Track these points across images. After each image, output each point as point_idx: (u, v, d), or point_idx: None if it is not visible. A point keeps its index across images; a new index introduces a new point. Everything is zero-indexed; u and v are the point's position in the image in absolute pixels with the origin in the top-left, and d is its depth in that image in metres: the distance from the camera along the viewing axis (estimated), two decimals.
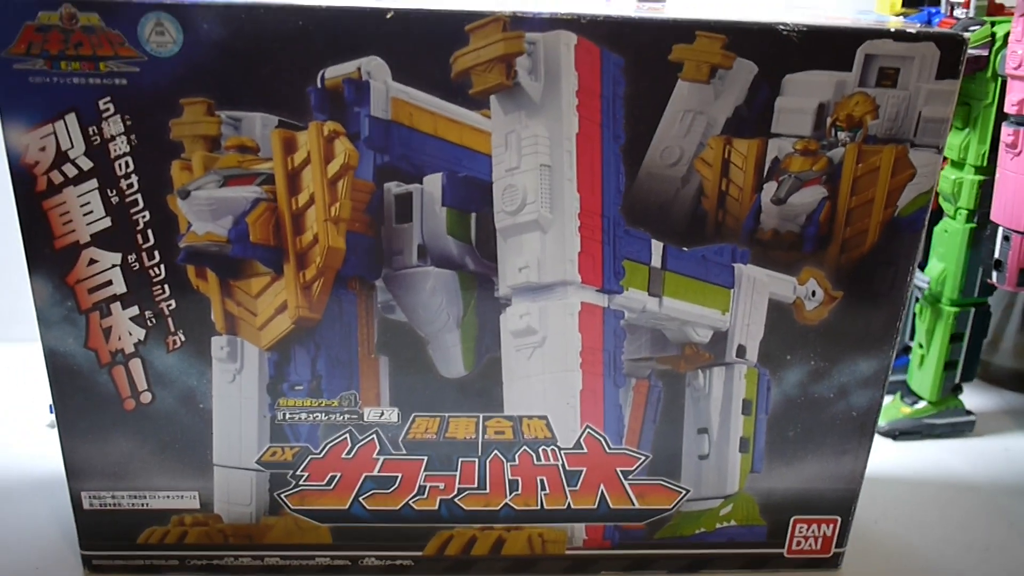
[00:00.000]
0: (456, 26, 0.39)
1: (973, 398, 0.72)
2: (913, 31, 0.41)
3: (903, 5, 0.67)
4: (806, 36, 0.41)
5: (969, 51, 0.57)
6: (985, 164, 0.60)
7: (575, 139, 0.42)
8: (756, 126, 0.42)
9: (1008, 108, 0.56)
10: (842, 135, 0.42)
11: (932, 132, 0.43)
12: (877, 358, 0.47)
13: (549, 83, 0.41)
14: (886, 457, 0.65)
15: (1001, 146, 0.57)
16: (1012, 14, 0.56)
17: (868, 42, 0.41)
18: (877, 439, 0.65)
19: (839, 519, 0.51)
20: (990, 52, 0.58)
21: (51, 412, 0.50)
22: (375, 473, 0.48)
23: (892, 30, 0.41)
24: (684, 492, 0.49)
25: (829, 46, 0.41)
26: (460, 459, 0.48)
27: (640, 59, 0.40)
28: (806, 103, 0.42)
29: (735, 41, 0.40)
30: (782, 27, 0.40)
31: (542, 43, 0.40)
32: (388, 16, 0.39)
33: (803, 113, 0.42)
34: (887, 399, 0.69)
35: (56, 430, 0.46)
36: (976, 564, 0.54)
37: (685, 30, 0.40)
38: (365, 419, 0.46)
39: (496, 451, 0.47)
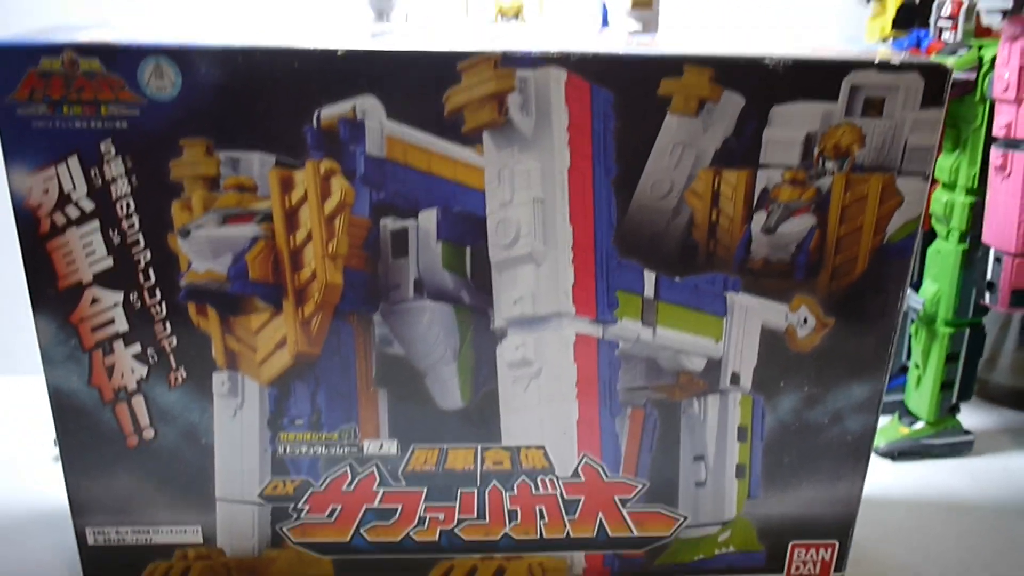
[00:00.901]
0: (448, 65, 0.40)
1: (971, 417, 0.73)
2: (897, 62, 0.42)
3: (893, 27, 0.68)
4: (792, 68, 0.41)
5: (956, 75, 0.58)
6: (976, 186, 0.60)
7: (567, 173, 0.42)
8: (745, 157, 0.43)
9: (996, 131, 0.57)
10: (830, 164, 0.43)
11: (919, 160, 0.43)
12: (870, 383, 0.47)
13: (540, 119, 0.42)
14: (885, 478, 0.65)
15: (991, 168, 0.58)
16: (999, 37, 0.57)
17: (853, 73, 0.42)
18: (876, 460, 0.66)
19: (837, 543, 0.51)
20: (978, 75, 0.58)
21: (56, 445, 0.51)
22: (375, 505, 0.48)
23: (876, 61, 0.42)
24: (682, 519, 0.50)
25: (815, 78, 0.42)
26: (459, 490, 0.48)
27: (629, 94, 0.41)
28: (794, 134, 0.43)
29: (722, 74, 0.41)
30: (768, 60, 0.41)
31: (533, 80, 0.41)
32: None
33: (791, 144, 0.43)
34: (885, 420, 0.69)
35: (60, 462, 0.47)
36: None
37: (673, 65, 0.41)
38: (365, 451, 0.47)
39: (495, 481, 0.48)
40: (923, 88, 0.42)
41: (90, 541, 0.48)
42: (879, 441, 0.67)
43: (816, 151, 0.43)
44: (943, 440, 0.68)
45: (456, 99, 0.41)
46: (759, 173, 0.43)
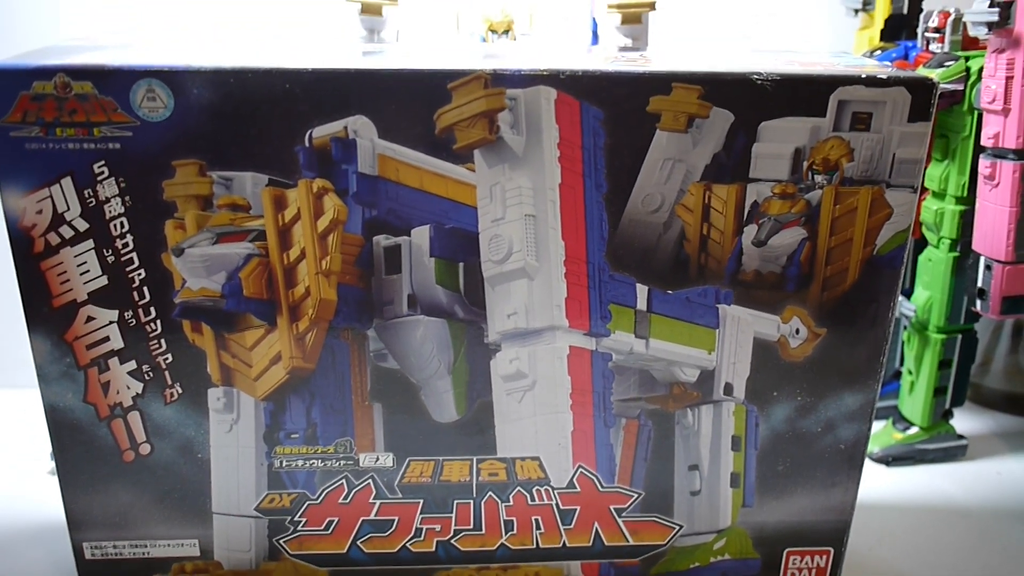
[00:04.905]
0: (439, 84, 0.41)
1: (964, 421, 0.73)
2: (884, 76, 0.42)
3: (881, 39, 0.68)
4: (780, 84, 0.42)
5: (944, 85, 0.59)
6: (965, 194, 0.61)
7: (558, 189, 0.43)
8: (735, 172, 0.43)
9: (984, 141, 0.57)
10: (819, 178, 0.43)
11: (907, 172, 0.44)
12: (862, 392, 0.47)
13: (531, 136, 0.42)
14: (879, 483, 0.65)
15: (980, 178, 0.58)
16: (985, 48, 0.57)
17: (840, 88, 0.42)
18: (870, 465, 0.66)
19: (832, 550, 0.52)
20: (966, 86, 0.59)
21: (52, 459, 0.51)
22: (372, 517, 0.48)
23: (863, 76, 0.42)
24: (678, 528, 0.50)
25: (803, 93, 0.42)
26: (455, 501, 0.48)
27: (619, 111, 0.42)
28: (783, 148, 0.43)
29: (711, 91, 0.42)
30: (756, 76, 0.41)
31: (523, 98, 0.41)
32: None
33: (780, 158, 0.43)
34: (879, 425, 0.69)
35: (57, 477, 0.47)
36: None
37: (662, 82, 0.41)
38: (361, 464, 0.47)
39: (491, 492, 0.48)
40: (910, 102, 0.42)
41: (87, 556, 0.48)
42: (873, 447, 0.67)
43: (805, 165, 0.43)
44: (937, 445, 0.68)
45: (447, 118, 0.41)
46: (749, 187, 0.43)
